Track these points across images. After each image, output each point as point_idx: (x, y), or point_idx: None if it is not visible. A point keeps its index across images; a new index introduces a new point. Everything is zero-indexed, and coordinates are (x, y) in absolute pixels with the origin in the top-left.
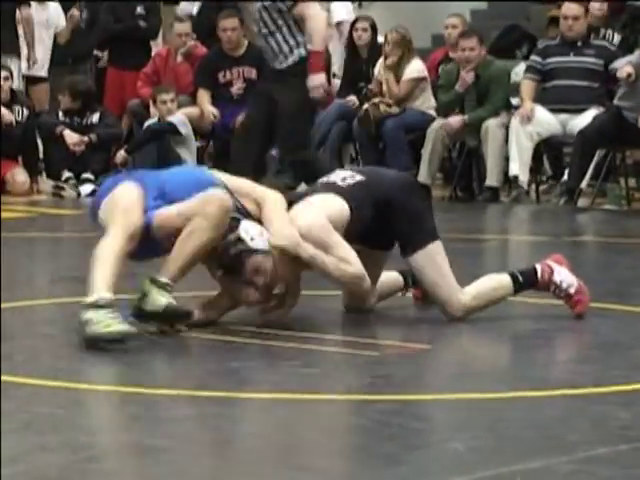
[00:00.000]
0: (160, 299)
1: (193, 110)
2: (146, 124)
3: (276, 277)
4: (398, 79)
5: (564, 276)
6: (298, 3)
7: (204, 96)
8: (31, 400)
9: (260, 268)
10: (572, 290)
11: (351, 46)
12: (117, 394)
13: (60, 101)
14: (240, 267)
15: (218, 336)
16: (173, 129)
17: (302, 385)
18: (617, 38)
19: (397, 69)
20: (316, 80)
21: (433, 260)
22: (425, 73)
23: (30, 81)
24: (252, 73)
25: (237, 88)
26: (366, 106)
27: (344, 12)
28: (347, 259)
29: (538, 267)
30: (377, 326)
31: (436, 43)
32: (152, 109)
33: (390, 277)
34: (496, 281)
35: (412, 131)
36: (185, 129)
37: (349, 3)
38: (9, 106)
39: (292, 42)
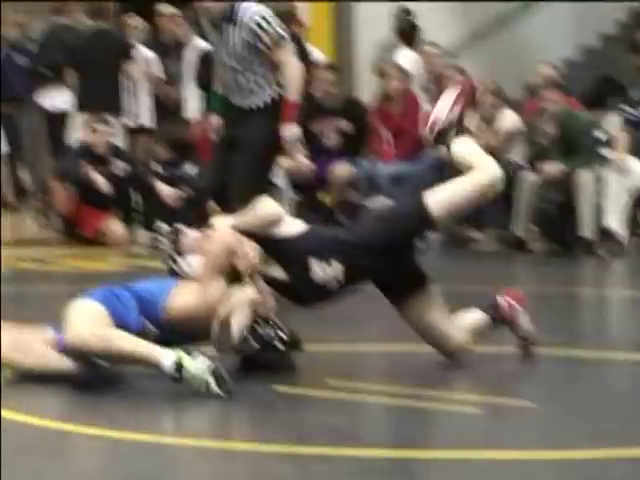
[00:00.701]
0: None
1: (288, 162)
2: None
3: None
4: (491, 130)
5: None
6: (275, 47)
7: (298, 148)
8: (133, 455)
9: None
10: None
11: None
12: (218, 451)
13: (157, 152)
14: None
15: (314, 391)
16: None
17: (402, 442)
18: None
19: (490, 120)
20: (291, 130)
21: None
22: (518, 124)
23: (133, 131)
24: (347, 126)
25: (331, 140)
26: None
27: (407, 61)
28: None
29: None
30: (477, 381)
31: (528, 94)
32: None
33: (471, 317)
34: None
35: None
36: (280, 180)
37: (414, 53)
38: (109, 160)
39: (261, 81)
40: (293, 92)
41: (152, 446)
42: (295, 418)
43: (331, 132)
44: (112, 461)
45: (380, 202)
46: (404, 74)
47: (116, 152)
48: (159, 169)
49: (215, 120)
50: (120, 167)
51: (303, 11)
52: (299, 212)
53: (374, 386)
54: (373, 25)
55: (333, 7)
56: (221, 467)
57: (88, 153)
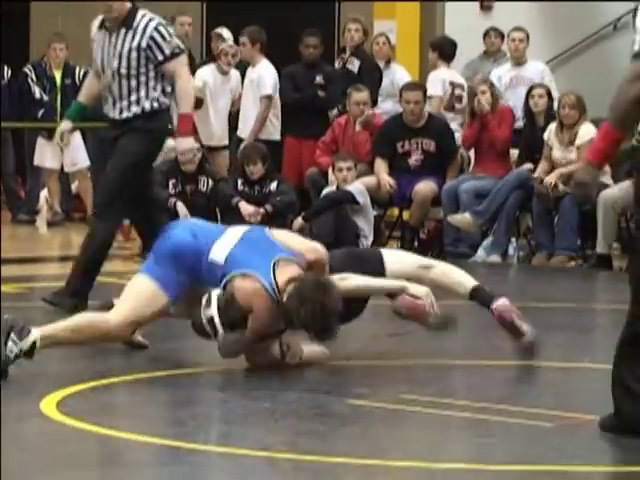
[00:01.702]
0: None
1: (371, 179)
2: (324, 192)
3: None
4: (572, 142)
5: None
6: (173, 59)
7: (381, 165)
8: (203, 466)
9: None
10: None
11: (528, 114)
12: (290, 462)
13: (247, 170)
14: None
15: (389, 404)
16: (351, 198)
17: (475, 455)
18: None
19: (571, 132)
20: (186, 144)
21: None
22: None
23: (211, 149)
24: (431, 145)
25: (415, 159)
26: (546, 183)
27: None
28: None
29: None
30: (549, 396)
31: None
32: (331, 177)
33: None
34: None
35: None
36: (363, 198)
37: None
38: (195, 176)
39: (142, 93)
40: (185, 105)
41: (224, 457)
42: (368, 431)
43: (416, 152)
44: (187, 472)
45: (463, 218)
46: (495, 88)
47: (204, 170)
48: (242, 186)
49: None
50: (207, 185)
51: (392, 31)
52: (378, 229)
53: (447, 400)
54: (461, 44)
55: (422, 28)
56: (290, 478)
57: (177, 170)
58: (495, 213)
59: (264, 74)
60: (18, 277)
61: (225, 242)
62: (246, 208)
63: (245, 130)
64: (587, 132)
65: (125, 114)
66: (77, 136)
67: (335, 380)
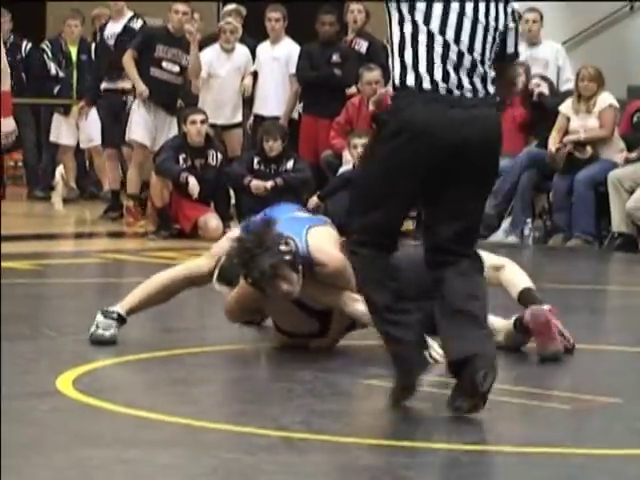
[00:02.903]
0: None
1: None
2: (340, 171)
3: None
4: (589, 110)
5: None
6: None
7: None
8: (218, 445)
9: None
10: None
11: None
12: (304, 442)
13: (265, 145)
14: None
15: None
16: None
17: (491, 436)
18: None
19: (589, 104)
20: (10, 126)
21: None
22: (617, 104)
23: (222, 128)
24: None
25: None
26: (560, 151)
27: None
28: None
29: None
30: (567, 378)
31: (631, 95)
32: (347, 155)
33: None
34: None
35: (604, 184)
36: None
37: None
38: (204, 150)
39: None
40: (5, 82)
41: (239, 436)
42: (382, 411)
43: None
44: (202, 451)
45: None
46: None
47: (212, 144)
48: (258, 165)
49: None
50: (216, 159)
51: None
52: None
53: None
54: None
55: None
56: (305, 458)
57: (185, 145)
58: (509, 193)
59: (294, 52)
60: (33, 254)
61: None
62: (257, 186)
63: (262, 107)
64: (605, 99)
65: None
66: (93, 113)
67: (350, 360)
